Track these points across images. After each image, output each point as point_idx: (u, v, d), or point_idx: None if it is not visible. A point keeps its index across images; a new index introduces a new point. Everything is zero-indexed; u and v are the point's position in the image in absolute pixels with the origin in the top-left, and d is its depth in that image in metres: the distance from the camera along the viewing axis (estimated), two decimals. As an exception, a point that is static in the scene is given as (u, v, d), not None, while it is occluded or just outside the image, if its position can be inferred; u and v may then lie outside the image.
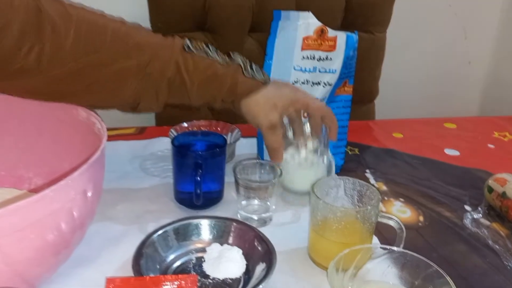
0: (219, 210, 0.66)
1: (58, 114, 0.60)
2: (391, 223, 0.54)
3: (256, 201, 0.64)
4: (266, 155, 0.76)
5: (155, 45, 0.60)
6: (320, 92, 0.76)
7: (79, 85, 0.57)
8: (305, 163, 0.68)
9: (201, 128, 0.81)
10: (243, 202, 0.64)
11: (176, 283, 0.47)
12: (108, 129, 0.59)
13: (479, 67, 1.33)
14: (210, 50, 0.62)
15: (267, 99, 0.63)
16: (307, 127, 0.67)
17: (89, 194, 0.48)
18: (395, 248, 0.51)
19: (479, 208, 0.68)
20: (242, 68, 0.62)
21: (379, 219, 0.54)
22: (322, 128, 0.70)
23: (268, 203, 0.64)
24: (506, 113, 1.22)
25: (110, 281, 0.46)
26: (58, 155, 0.61)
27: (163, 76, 0.59)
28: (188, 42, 0.61)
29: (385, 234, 0.61)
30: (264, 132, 0.64)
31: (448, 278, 0.46)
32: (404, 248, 0.52)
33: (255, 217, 0.63)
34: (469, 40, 1.29)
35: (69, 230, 0.46)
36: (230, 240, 0.58)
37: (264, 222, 0.63)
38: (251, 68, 0.63)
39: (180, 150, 0.65)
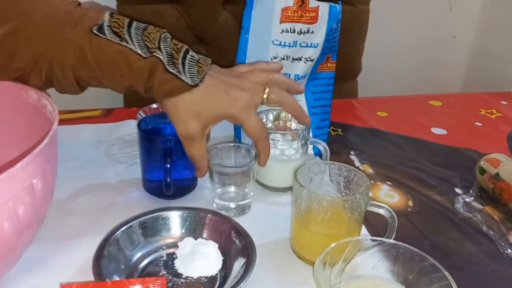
0: (193, 200, 0.60)
1: (2, 95, 0.53)
2: (381, 211, 0.49)
3: (232, 188, 0.58)
4: (243, 138, 0.70)
5: (54, 18, 0.49)
6: (301, 68, 0.70)
7: None
8: (281, 156, 0.62)
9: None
10: (219, 190, 0.58)
11: (142, 287, 0.42)
12: (72, 111, 0.52)
13: (464, 41, 1.29)
14: (130, 33, 0.50)
15: (188, 105, 0.51)
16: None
17: (38, 187, 0.41)
18: (386, 240, 0.46)
19: (471, 191, 0.64)
20: (163, 63, 0.49)
21: (369, 208, 0.49)
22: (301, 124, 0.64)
23: (246, 189, 0.58)
24: (491, 87, 1.19)
25: (65, 287, 0.41)
26: (2, 142, 0.54)
27: (65, 63, 0.50)
28: (106, 19, 0.50)
29: (374, 223, 0.57)
30: (182, 141, 0.54)
31: (446, 273, 0.42)
32: (394, 237, 0.47)
33: (232, 205, 0.58)
34: (454, 12, 1.24)
35: (13, 232, 0.39)
36: (205, 233, 0.53)
37: (242, 210, 0.58)
38: (183, 58, 0.51)
39: (147, 135, 0.59)
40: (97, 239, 0.49)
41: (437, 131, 0.83)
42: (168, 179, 0.56)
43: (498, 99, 0.96)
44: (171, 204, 0.59)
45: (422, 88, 1.17)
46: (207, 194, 0.61)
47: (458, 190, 0.66)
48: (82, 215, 0.56)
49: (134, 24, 0.51)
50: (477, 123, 0.87)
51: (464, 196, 0.64)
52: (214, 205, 0.59)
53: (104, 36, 0.49)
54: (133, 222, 0.51)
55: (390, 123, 0.85)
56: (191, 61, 0.51)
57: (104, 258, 0.46)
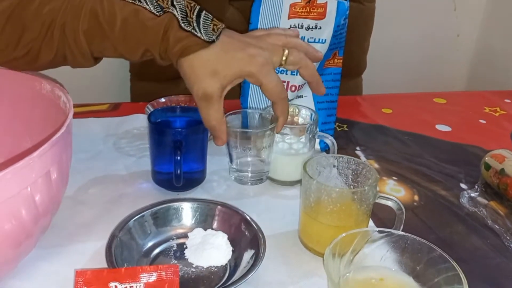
0: (202, 193, 0.61)
1: (17, 87, 0.53)
2: (389, 203, 0.50)
3: (249, 157, 0.58)
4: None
5: None
6: (308, 64, 0.70)
7: None
8: (289, 150, 0.63)
9: (181, 103, 0.75)
10: (236, 158, 0.57)
11: (155, 274, 0.42)
12: (80, 105, 0.53)
13: (468, 39, 1.30)
14: None
15: (204, 63, 0.50)
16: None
17: (54, 176, 0.42)
18: (394, 231, 0.47)
19: (476, 186, 0.65)
20: (177, 20, 0.49)
21: (377, 200, 0.50)
22: (310, 116, 0.64)
23: (264, 156, 0.58)
24: (495, 86, 1.20)
25: (80, 274, 0.41)
26: (18, 133, 0.55)
27: (77, 28, 0.49)
28: None
29: (381, 216, 0.58)
30: (197, 104, 0.52)
31: (454, 263, 0.43)
32: (402, 230, 0.48)
33: (250, 174, 0.57)
34: (458, 11, 1.25)
35: (30, 218, 0.40)
36: (215, 224, 0.53)
37: (260, 178, 0.57)
38: (198, 17, 0.49)
39: (158, 127, 0.59)
40: (108, 229, 0.49)
41: (442, 128, 0.84)
42: (178, 171, 0.57)
43: (501, 98, 0.97)
44: (180, 196, 0.60)
45: (426, 86, 1.17)
46: (215, 187, 0.62)
47: (463, 186, 0.66)
48: (93, 205, 0.57)
49: None
50: (481, 121, 0.87)
51: (469, 191, 0.64)
52: (231, 175, 0.59)
53: None
54: (145, 212, 0.52)
55: (394, 120, 0.86)
56: (206, 19, 0.50)
57: (117, 246, 0.47)
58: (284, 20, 0.70)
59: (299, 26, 0.70)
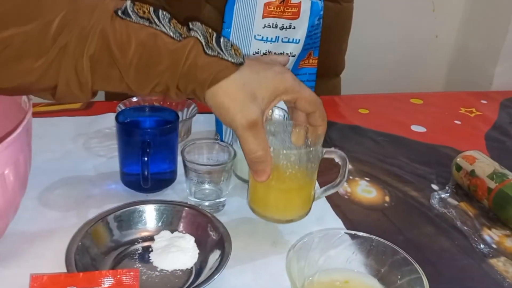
0: (171, 194, 0.60)
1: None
2: (334, 156, 0.54)
3: (207, 186, 0.58)
4: (225, 135, 0.70)
5: (71, 4, 0.42)
6: (282, 63, 0.70)
7: None
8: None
9: (154, 103, 0.74)
10: (193, 187, 0.58)
11: (114, 279, 0.41)
12: (52, 104, 0.51)
13: (446, 40, 1.31)
14: (158, 17, 0.44)
15: (241, 87, 0.44)
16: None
17: (10, 178, 0.41)
18: (360, 234, 0.46)
19: (447, 187, 0.65)
20: (202, 44, 0.44)
21: (325, 155, 0.53)
22: (283, 116, 0.64)
23: (222, 187, 0.58)
24: (472, 87, 1.21)
25: (35, 279, 0.40)
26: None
27: (82, 52, 0.41)
28: (128, 4, 0.43)
29: (350, 217, 0.57)
30: (240, 135, 0.46)
31: (416, 266, 0.43)
32: (369, 231, 0.48)
33: (207, 203, 0.57)
34: (437, 12, 1.25)
35: (-18, 222, 0.39)
36: (181, 227, 0.53)
37: (216, 208, 0.58)
38: (217, 43, 0.45)
39: (125, 127, 0.58)
40: (71, 232, 0.48)
41: (417, 128, 0.84)
42: (146, 173, 0.56)
43: (478, 98, 0.98)
44: (149, 198, 0.59)
45: (405, 87, 1.18)
46: (186, 188, 0.61)
47: (434, 186, 0.66)
48: (58, 207, 0.56)
49: (160, 10, 0.45)
50: (456, 122, 0.88)
51: (440, 192, 0.64)
52: (188, 202, 0.58)
53: (131, 20, 0.42)
54: (108, 215, 0.51)
55: (370, 120, 0.86)
56: (226, 43, 0.45)
57: (77, 250, 0.46)
58: (259, 19, 0.69)
59: (273, 26, 0.69)
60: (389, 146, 0.77)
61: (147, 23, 0.43)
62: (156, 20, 0.43)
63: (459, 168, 0.65)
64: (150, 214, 0.53)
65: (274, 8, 0.69)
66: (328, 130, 0.81)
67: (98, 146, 0.70)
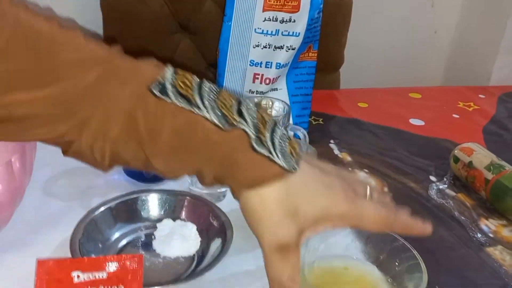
0: (173, 184, 0.61)
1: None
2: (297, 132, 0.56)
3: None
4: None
5: (106, 64, 0.35)
6: (282, 56, 0.71)
7: None
8: None
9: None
10: (195, 177, 0.58)
11: (118, 263, 0.42)
12: None
13: (445, 36, 1.31)
14: (201, 95, 0.36)
15: (283, 200, 0.36)
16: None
17: (16, 166, 0.42)
18: None
19: (445, 179, 0.66)
20: (249, 138, 0.36)
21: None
22: (283, 109, 0.64)
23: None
24: (471, 81, 1.21)
25: (41, 263, 0.41)
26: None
27: (104, 131, 0.35)
28: (169, 77, 0.35)
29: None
30: (266, 255, 0.38)
31: (415, 252, 0.44)
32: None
33: (208, 193, 0.58)
34: (436, 8, 1.26)
35: (-10, 208, 0.40)
36: (183, 215, 0.53)
37: (217, 198, 0.58)
38: (271, 139, 0.36)
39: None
40: (75, 220, 0.49)
41: (415, 122, 0.85)
42: (148, 162, 0.56)
43: (476, 93, 0.98)
44: (151, 187, 0.59)
45: (403, 81, 1.19)
46: (187, 180, 0.62)
47: (432, 178, 0.67)
48: (62, 197, 0.57)
49: (207, 85, 0.36)
50: (454, 115, 0.89)
51: (438, 183, 0.65)
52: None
53: (168, 99, 0.35)
54: (112, 203, 0.51)
55: (370, 114, 0.86)
56: (282, 138, 0.37)
57: (82, 237, 0.47)
58: (259, 12, 0.70)
59: (274, 19, 0.70)
60: (388, 139, 0.78)
61: (186, 105, 0.35)
62: (198, 100, 0.35)
63: (456, 160, 0.66)
64: (152, 203, 0.53)
65: (274, 2, 0.69)
66: (327, 123, 0.83)
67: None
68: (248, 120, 0.36)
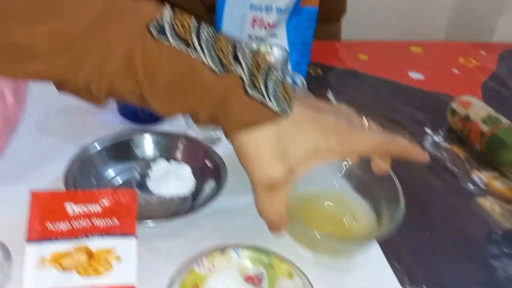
0: (169, 126, 0.60)
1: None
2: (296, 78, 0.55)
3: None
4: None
5: (108, 3, 0.35)
6: (283, 1, 0.69)
7: None
8: None
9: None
10: (190, 121, 0.58)
11: (112, 198, 0.42)
12: None
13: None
14: (199, 38, 0.36)
15: (273, 141, 0.39)
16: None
17: (8, 95, 0.41)
18: None
19: (440, 131, 0.66)
20: (243, 83, 0.37)
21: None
22: (281, 54, 0.63)
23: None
24: (474, 39, 1.19)
25: (36, 195, 0.41)
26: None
27: (101, 67, 0.35)
28: (167, 13, 0.36)
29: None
30: (255, 191, 0.41)
31: (396, 183, 0.45)
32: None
33: (203, 136, 0.58)
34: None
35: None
36: (178, 156, 0.53)
37: (212, 141, 0.58)
38: (265, 83, 0.37)
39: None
40: (70, 157, 0.49)
41: (415, 75, 0.84)
42: (143, 103, 0.56)
43: (477, 49, 0.97)
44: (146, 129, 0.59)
45: (405, 35, 1.16)
46: (183, 122, 0.62)
47: (428, 131, 0.67)
48: (56, 134, 0.56)
49: (205, 28, 0.37)
50: (454, 71, 0.87)
51: (433, 135, 0.65)
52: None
53: (166, 40, 0.35)
54: (107, 141, 0.51)
55: (369, 66, 0.85)
56: (276, 82, 0.38)
57: (76, 172, 0.47)
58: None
59: (275, -39, 0.67)
60: (386, 92, 0.78)
61: (184, 48, 0.36)
62: (196, 43, 0.36)
63: (454, 112, 0.66)
64: (147, 143, 0.53)
65: None
66: (326, 74, 0.82)
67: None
68: (243, 65, 0.37)
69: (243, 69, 0.37)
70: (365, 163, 0.46)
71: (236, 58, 0.37)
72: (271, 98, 0.38)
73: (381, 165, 0.45)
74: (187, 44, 0.36)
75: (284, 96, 0.38)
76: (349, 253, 0.46)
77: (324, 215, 0.46)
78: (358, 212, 0.46)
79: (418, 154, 0.43)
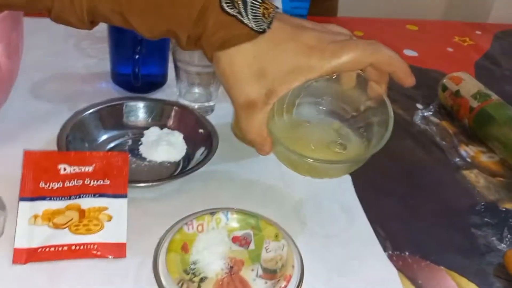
0: (162, 95, 0.61)
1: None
2: None
3: (197, 89, 0.59)
4: None
5: None
6: (279, -28, 0.69)
7: None
8: None
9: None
10: (183, 89, 0.58)
11: (104, 159, 0.43)
12: None
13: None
14: None
15: (250, 60, 0.38)
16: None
17: (2, 56, 0.41)
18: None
19: (431, 107, 0.67)
20: (219, 0, 0.37)
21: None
22: None
23: (211, 90, 0.58)
24: (470, 18, 1.19)
25: (28, 154, 0.42)
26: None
27: None
28: None
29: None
30: (235, 112, 0.41)
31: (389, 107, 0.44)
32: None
33: (196, 106, 0.58)
34: None
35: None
36: (171, 123, 0.54)
37: (205, 111, 0.59)
38: (244, 2, 0.37)
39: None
40: (63, 121, 0.50)
41: (409, 53, 0.85)
42: (136, 70, 0.56)
43: (473, 29, 0.97)
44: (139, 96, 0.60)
45: (402, 12, 1.16)
46: (176, 92, 0.62)
47: (419, 106, 0.68)
48: (50, 99, 0.57)
49: None
50: (448, 49, 0.88)
51: (423, 111, 0.66)
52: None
53: None
54: (101, 106, 0.52)
55: (364, 43, 0.85)
56: (256, 1, 0.38)
57: (69, 135, 0.47)
58: None
59: None
60: (380, 67, 0.78)
61: None
62: None
63: (445, 88, 0.67)
64: (140, 110, 0.54)
65: None
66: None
67: (89, 48, 0.69)
68: None
69: None
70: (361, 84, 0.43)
71: None
72: (250, 15, 0.37)
73: (377, 89, 0.44)
74: None
75: (264, 14, 0.38)
76: (335, 174, 0.45)
77: (312, 142, 0.44)
78: (349, 140, 0.45)
79: (403, 73, 0.42)
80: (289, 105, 0.43)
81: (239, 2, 0.37)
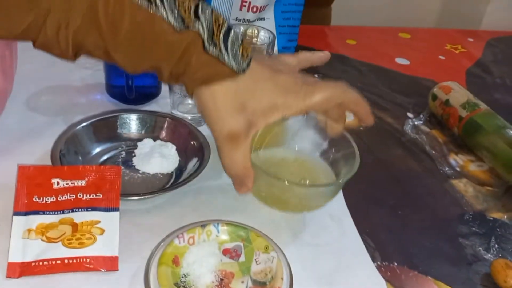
0: (155, 106, 0.62)
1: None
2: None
3: (190, 101, 0.60)
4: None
5: None
6: (271, -16, 0.70)
7: None
8: None
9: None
10: (177, 101, 0.59)
11: (97, 173, 0.44)
12: None
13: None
14: None
15: (231, 95, 0.41)
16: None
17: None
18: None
19: (421, 116, 0.68)
20: (202, 40, 0.39)
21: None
22: (268, 38, 0.64)
23: None
24: (462, 25, 1.20)
25: (22, 169, 0.43)
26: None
27: (66, 20, 0.37)
28: None
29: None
30: (218, 145, 0.43)
31: (352, 142, 0.48)
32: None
33: (189, 117, 0.59)
34: None
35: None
36: (164, 135, 0.55)
37: (198, 122, 0.60)
38: (225, 38, 0.39)
39: (111, 38, 0.59)
40: (58, 134, 0.50)
41: (401, 61, 0.86)
42: (130, 82, 0.57)
43: (465, 36, 0.98)
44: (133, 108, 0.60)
45: (395, 22, 1.17)
46: (169, 102, 0.63)
47: (410, 115, 0.69)
48: (44, 112, 0.58)
49: None
50: (440, 57, 0.89)
51: (414, 119, 0.67)
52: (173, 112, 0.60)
53: None
54: (95, 119, 0.52)
55: (357, 51, 0.86)
56: (235, 40, 0.40)
57: (63, 149, 0.48)
58: None
59: None
60: (372, 76, 0.79)
61: (145, 3, 0.37)
62: (157, 1, 0.37)
63: (435, 97, 0.67)
64: (134, 122, 0.55)
65: None
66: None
67: (83, 59, 0.70)
68: (203, 22, 0.39)
69: (202, 26, 0.39)
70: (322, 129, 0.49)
71: (196, 15, 0.38)
72: (230, 55, 0.39)
73: (335, 127, 0.48)
74: (150, 0, 0.37)
75: (243, 54, 0.40)
76: (314, 205, 0.47)
77: (286, 176, 0.46)
78: (318, 174, 0.49)
79: (366, 113, 0.46)
80: (257, 144, 0.47)
81: (220, 41, 0.39)
